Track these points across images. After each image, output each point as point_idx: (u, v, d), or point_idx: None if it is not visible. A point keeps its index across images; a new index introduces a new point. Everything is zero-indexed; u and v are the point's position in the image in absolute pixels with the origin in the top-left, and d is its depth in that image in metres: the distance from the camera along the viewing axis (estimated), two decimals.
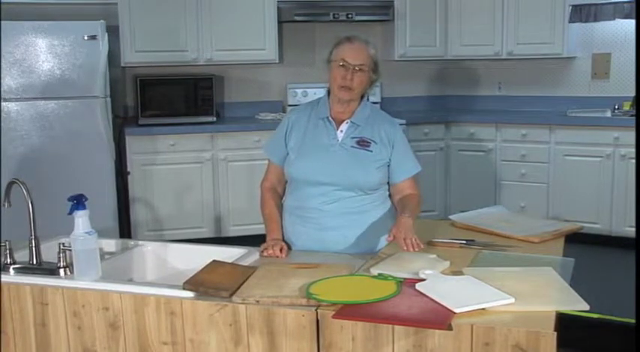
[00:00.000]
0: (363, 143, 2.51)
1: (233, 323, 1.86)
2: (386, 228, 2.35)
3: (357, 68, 2.45)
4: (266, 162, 2.70)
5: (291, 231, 2.56)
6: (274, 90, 5.93)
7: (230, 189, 5.21)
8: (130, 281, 2.38)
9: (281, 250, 2.38)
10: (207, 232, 5.18)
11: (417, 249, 2.18)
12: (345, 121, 2.54)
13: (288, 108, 5.65)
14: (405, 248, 2.18)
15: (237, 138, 5.20)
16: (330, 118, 2.54)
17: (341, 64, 2.45)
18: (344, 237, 2.48)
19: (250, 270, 2.10)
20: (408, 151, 2.59)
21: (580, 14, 5.32)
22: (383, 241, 2.43)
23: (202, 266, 2.09)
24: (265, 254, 2.37)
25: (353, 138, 2.52)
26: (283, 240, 2.52)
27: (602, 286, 4.00)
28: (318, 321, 1.79)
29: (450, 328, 1.66)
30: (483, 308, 1.74)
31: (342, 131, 2.53)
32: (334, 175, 2.47)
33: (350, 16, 5.50)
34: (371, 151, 2.50)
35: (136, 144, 5.05)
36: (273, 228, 2.57)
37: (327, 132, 2.53)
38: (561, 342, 1.64)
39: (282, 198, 2.67)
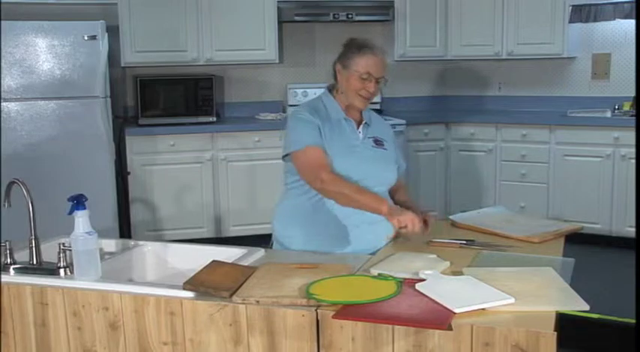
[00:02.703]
0: (378, 142, 2.54)
1: (233, 323, 1.86)
2: (386, 228, 2.36)
3: (378, 80, 2.45)
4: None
5: (291, 230, 2.54)
6: (274, 90, 5.92)
7: (230, 189, 5.20)
8: (130, 281, 2.38)
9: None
10: (207, 232, 5.18)
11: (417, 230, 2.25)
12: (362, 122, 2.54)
13: (289, 109, 5.64)
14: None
15: (237, 138, 5.19)
16: (348, 118, 2.53)
17: (365, 77, 2.43)
18: (349, 237, 2.45)
19: (250, 270, 2.10)
20: (398, 148, 2.66)
21: (580, 14, 5.32)
22: (383, 241, 2.42)
23: (202, 267, 2.09)
24: (403, 231, 2.29)
25: (370, 137, 2.53)
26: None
27: (602, 286, 4.00)
28: (318, 321, 1.79)
29: (449, 328, 1.66)
30: (483, 308, 1.74)
31: (359, 131, 2.53)
32: (367, 174, 2.44)
33: (350, 16, 5.50)
34: (386, 149, 2.54)
35: (136, 144, 5.05)
36: (377, 197, 2.37)
37: (350, 131, 2.51)
38: (561, 342, 1.64)
39: None
